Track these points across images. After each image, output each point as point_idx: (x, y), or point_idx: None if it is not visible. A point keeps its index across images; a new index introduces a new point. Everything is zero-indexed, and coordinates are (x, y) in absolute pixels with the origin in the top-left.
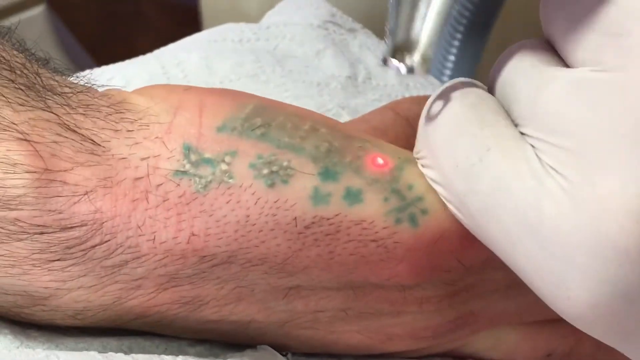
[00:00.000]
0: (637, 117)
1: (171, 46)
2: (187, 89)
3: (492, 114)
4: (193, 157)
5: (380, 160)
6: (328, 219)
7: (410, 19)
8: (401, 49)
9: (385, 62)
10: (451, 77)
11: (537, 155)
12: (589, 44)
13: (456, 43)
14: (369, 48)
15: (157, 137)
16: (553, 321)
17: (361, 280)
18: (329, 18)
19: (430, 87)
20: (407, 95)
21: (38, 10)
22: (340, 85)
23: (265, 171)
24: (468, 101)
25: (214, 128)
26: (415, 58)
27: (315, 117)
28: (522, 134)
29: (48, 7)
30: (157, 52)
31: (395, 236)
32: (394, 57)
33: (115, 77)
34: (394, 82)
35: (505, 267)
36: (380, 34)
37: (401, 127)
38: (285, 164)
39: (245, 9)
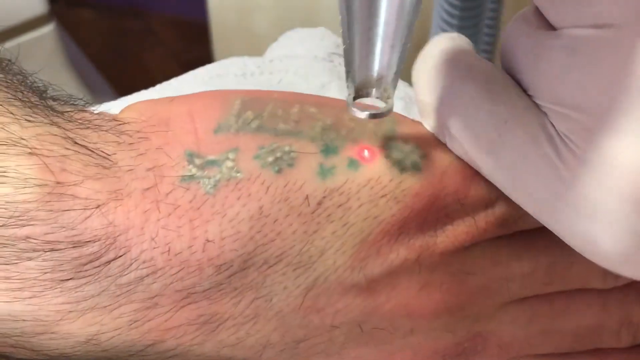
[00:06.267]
0: (636, 74)
1: (173, 81)
2: (171, 99)
3: (503, 88)
4: (197, 161)
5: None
6: (337, 189)
7: (367, 56)
8: (362, 90)
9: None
10: None
11: (551, 122)
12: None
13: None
14: None
15: (158, 148)
16: (567, 355)
17: (374, 252)
18: (333, 49)
19: None
20: None
21: (48, 29)
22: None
23: (270, 159)
24: (479, 78)
25: (211, 131)
26: (380, 103)
27: (301, 98)
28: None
29: (57, 25)
30: (159, 87)
31: (402, 184)
32: (355, 100)
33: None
34: None
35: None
36: None
37: None
38: (287, 149)
39: (255, 25)
